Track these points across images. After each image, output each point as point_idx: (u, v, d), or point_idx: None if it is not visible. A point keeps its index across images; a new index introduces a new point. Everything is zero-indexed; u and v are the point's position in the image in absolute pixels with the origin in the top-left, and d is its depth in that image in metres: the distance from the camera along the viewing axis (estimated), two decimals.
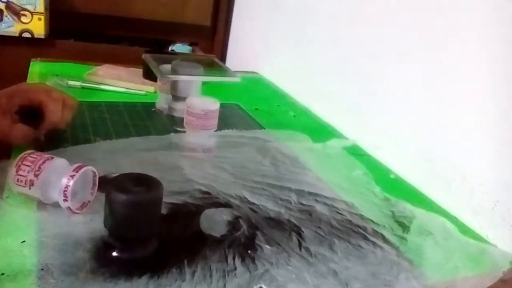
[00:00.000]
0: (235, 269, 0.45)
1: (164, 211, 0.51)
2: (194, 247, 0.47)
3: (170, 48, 1.60)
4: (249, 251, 0.48)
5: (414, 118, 0.74)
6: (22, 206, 0.51)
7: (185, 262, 0.45)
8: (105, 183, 0.48)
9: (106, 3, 1.48)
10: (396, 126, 0.78)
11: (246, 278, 0.44)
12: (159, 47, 1.57)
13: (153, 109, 0.88)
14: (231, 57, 1.60)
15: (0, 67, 1.27)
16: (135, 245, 0.44)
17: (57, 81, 0.95)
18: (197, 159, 0.69)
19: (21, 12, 1.34)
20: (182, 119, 0.76)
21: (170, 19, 1.57)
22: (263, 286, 0.43)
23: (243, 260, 0.46)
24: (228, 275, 0.44)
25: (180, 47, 1.62)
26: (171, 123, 0.82)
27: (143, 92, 0.98)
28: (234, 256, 0.47)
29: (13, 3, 1.33)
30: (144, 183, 0.43)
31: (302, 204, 0.60)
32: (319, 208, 0.59)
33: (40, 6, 1.34)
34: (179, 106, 0.83)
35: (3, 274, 0.40)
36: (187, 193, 0.58)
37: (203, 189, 0.60)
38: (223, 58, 1.60)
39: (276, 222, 0.55)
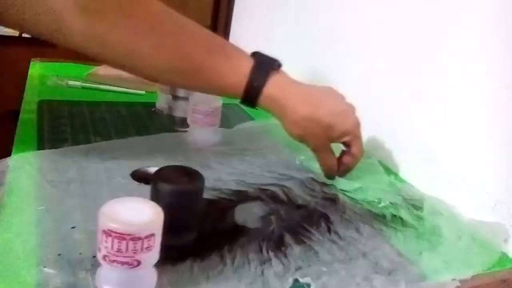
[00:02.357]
0: (270, 260, 0.47)
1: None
2: (231, 237, 0.50)
3: None
4: (279, 248, 0.50)
5: (414, 118, 0.74)
6: (23, 205, 0.51)
7: (225, 249, 0.47)
8: (146, 176, 0.51)
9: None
10: (396, 125, 0.78)
11: (281, 269, 0.46)
12: None
13: (153, 109, 0.88)
14: None
15: (0, 67, 1.27)
16: (179, 232, 0.46)
17: (57, 81, 0.95)
18: (222, 154, 0.71)
19: None
20: (182, 119, 0.76)
21: None
22: (298, 278, 0.45)
23: (275, 254, 0.48)
24: (264, 264, 0.46)
25: None
26: (171, 123, 0.82)
27: (143, 92, 0.98)
28: (267, 249, 0.49)
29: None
30: (188, 174, 0.47)
31: (325, 192, 0.63)
32: (341, 197, 0.63)
33: None
34: (179, 106, 0.83)
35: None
36: (219, 189, 0.60)
37: (234, 183, 0.62)
38: None
39: (304, 210, 0.58)
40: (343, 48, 0.95)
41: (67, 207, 0.51)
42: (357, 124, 0.62)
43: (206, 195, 0.57)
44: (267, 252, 0.48)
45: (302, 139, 0.61)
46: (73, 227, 0.47)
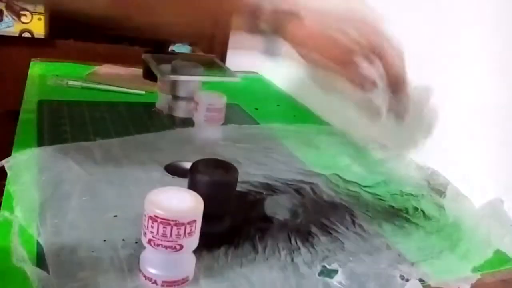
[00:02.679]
0: (299, 248, 0.50)
1: None
2: (262, 226, 0.53)
3: (170, 48, 1.60)
4: (307, 239, 0.52)
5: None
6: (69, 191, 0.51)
7: (257, 238, 0.51)
8: (179, 169, 0.54)
9: None
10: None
11: (309, 257, 0.49)
12: (159, 47, 1.57)
13: (153, 109, 0.88)
14: (231, 57, 1.60)
15: (0, 67, 1.27)
16: (214, 220, 0.48)
17: (57, 81, 0.95)
18: (248, 150, 0.74)
19: (21, 12, 1.34)
20: (182, 119, 0.77)
21: None
22: (326, 265, 0.48)
23: (303, 244, 0.51)
24: (294, 253, 0.49)
25: (180, 47, 1.62)
26: (171, 123, 0.82)
27: (143, 92, 0.98)
28: (296, 239, 0.52)
29: (13, 3, 1.33)
30: (223, 166, 0.50)
31: (348, 189, 0.65)
32: (364, 194, 0.64)
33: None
34: (179, 106, 0.83)
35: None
36: (247, 182, 0.63)
37: (261, 178, 0.65)
38: (223, 58, 1.60)
39: (330, 204, 0.61)
40: None
41: (108, 197, 0.55)
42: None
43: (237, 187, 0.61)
44: (296, 242, 0.51)
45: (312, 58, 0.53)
46: (115, 216, 0.51)
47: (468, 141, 0.64)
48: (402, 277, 0.47)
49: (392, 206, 0.61)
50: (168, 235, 0.39)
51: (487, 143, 0.61)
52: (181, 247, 0.40)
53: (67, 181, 0.56)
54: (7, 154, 0.61)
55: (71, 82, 0.95)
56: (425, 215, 0.59)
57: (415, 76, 0.74)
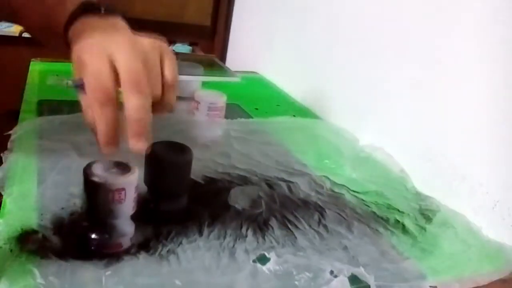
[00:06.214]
0: (246, 237, 0.51)
1: (202, 181, 0.61)
2: (217, 212, 0.54)
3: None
4: (261, 229, 0.53)
5: (414, 118, 0.74)
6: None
7: (206, 222, 0.52)
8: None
9: (105, 3, 1.48)
10: (396, 126, 0.78)
11: (254, 246, 0.49)
12: None
13: None
14: (231, 57, 1.60)
15: (0, 67, 1.27)
16: (166, 199, 0.51)
17: (57, 81, 0.95)
18: (245, 145, 0.75)
19: None
20: None
21: (170, 19, 1.57)
22: (265, 253, 0.48)
23: (254, 233, 0.52)
24: (238, 240, 0.50)
25: (180, 47, 1.62)
26: None
27: None
28: (247, 228, 0.52)
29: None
30: (177, 149, 0.51)
31: (333, 191, 0.64)
32: (348, 197, 0.63)
33: None
34: (179, 106, 0.83)
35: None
36: (227, 173, 0.65)
37: (243, 171, 0.66)
38: (223, 58, 1.60)
39: (302, 202, 0.60)
40: (343, 48, 0.95)
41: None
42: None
43: (213, 174, 0.63)
44: (246, 230, 0.52)
45: None
46: None
47: (468, 141, 0.64)
48: (331, 272, 0.46)
49: (374, 212, 0.60)
50: (98, 199, 0.42)
51: (487, 143, 0.61)
52: (111, 212, 0.42)
53: (64, 153, 0.61)
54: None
55: (71, 82, 0.95)
56: (404, 228, 0.58)
57: (415, 75, 0.74)
